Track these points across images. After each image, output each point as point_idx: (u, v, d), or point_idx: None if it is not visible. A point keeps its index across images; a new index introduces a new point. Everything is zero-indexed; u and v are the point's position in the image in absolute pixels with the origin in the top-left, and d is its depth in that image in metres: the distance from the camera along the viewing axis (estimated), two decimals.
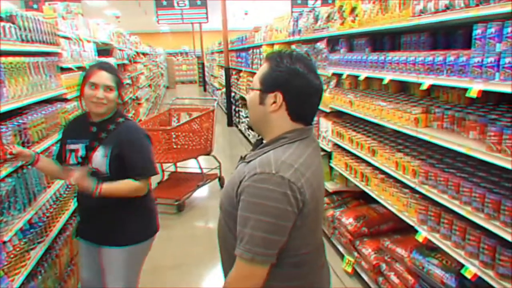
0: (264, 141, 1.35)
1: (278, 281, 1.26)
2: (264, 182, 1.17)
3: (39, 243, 2.41)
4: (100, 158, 2.03)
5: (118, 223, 2.13)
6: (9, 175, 2.14)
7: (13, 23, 2.38)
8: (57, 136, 2.81)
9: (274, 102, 1.28)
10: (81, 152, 2.08)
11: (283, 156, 1.22)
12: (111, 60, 5.80)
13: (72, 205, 3.05)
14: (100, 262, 2.23)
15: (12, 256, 2.07)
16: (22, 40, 2.48)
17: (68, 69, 3.44)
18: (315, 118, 4.09)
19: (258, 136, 1.42)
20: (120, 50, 7.10)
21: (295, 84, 1.26)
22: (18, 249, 2.14)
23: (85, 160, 2.06)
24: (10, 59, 2.28)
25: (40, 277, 2.37)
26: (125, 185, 2.05)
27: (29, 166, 2.33)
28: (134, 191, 2.09)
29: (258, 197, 1.17)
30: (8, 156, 1.95)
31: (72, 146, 2.10)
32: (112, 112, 2.12)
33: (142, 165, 2.10)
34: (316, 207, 1.27)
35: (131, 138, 2.09)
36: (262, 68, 1.32)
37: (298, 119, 1.31)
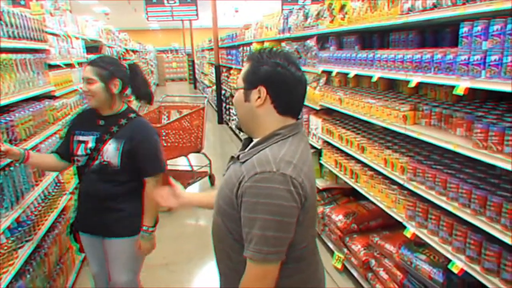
0: (254, 140, 1.35)
1: (280, 277, 1.26)
2: (266, 181, 1.17)
3: (27, 241, 2.39)
4: (112, 151, 2.07)
5: (123, 213, 2.16)
6: None
7: (0, 19, 2.34)
8: (45, 134, 2.79)
9: (259, 97, 1.28)
10: (91, 144, 2.11)
11: (280, 153, 1.22)
12: None
13: (61, 203, 3.03)
14: (105, 253, 2.25)
15: None
16: (9, 37, 2.45)
17: (56, 66, 3.41)
18: (305, 116, 4.10)
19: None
20: (109, 47, 7.03)
21: (277, 77, 1.27)
22: (5, 248, 2.12)
23: (95, 152, 2.09)
24: None
25: (28, 276, 2.35)
26: (151, 200, 2.13)
27: (17, 164, 2.31)
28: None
29: (263, 196, 1.17)
30: None
31: (81, 138, 2.14)
32: (124, 108, 2.18)
33: (153, 161, 2.16)
34: (313, 200, 1.30)
35: (144, 136, 2.14)
36: (244, 68, 1.34)
37: (285, 112, 1.32)
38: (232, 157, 1.37)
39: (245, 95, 1.32)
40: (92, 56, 2.59)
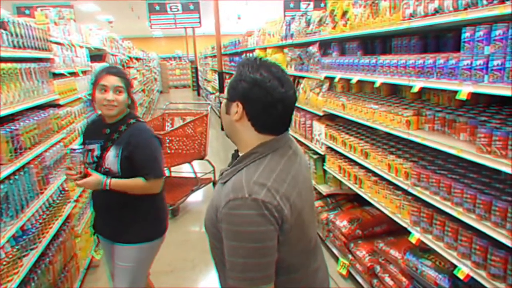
0: (239, 153, 1.32)
1: None
2: (239, 208, 1.14)
3: (31, 249, 2.40)
4: (112, 158, 2.11)
5: (129, 221, 2.18)
6: (1, 182, 2.13)
7: (5, 29, 2.37)
8: (50, 142, 2.81)
9: (237, 112, 1.26)
10: (97, 152, 2.16)
11: (254, 176, 1.19)
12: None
13: (66, 211, 3.04)
14: (112, 257, 2.28)
15: (4, 263, 2.06)
16: (14, 46, 2.47)
17: (61, 75, 3.44)
18: (308, 122, 4.11)
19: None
20: (113, 55, 7.07)
21: (254, 94, 1.22)
22: (10, 256, 2.13)
23: (100, 159, 2.14)
24: (2, 65, 2.28)
25: (33, 284, 2.36)
26: (132, 182, 2.12)
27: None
28: (141, 189, 2.14)
29: (238, 224, 1.14)
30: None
31: (90, 146, 2.19)
32: (124, 114, 2.21)
33: (148, 166, 2.16)
34: (299, 216, 1.23)
35: (139, 140, 2.15)
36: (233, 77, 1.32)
37: (264, 130, 1.27)
38: (220, 173, 1.35)
39: (227, 107, 1.30)
40: (101, 65, 2.60)
